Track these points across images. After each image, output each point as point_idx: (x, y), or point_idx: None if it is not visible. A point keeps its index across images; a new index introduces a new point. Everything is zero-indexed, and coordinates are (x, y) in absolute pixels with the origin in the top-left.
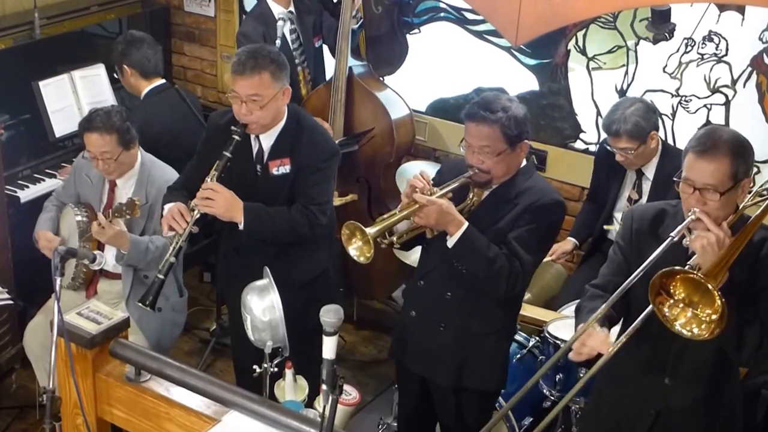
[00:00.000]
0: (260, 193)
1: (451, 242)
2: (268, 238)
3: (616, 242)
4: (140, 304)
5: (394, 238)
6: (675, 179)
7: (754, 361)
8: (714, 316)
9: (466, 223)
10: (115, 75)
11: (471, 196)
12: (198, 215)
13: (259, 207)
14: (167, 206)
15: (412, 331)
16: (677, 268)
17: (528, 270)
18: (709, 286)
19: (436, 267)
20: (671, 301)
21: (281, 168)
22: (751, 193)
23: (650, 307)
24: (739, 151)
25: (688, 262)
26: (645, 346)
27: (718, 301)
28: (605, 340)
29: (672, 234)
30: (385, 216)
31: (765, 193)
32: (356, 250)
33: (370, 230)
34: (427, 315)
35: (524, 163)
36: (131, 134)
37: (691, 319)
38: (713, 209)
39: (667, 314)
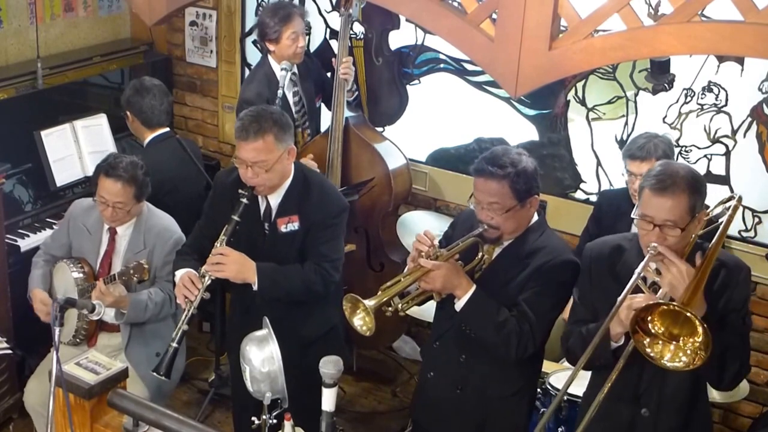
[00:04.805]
0: (269, 251)
1: (458, 306)
2: (282, 297)
3: (575, 290)
4: (155, 374)
5: (399, 305)
6: (633, 216)
7: (729, 386)
8: (699, 341)
9: (474, 287)
10: (121, 115)
11: (481, 256)
12: (209, 282)
13: (273, 267)
14: (178, 274)
15: (431, 392)
16: (654, 302)
17: (538, 333)
18: (689, 314)
19: (449, 329)
20: (648, 338)
21: (290, 225)
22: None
23: (630, 343)
24: (696, 186)
25: (656, 296)
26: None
27: (700, 328)
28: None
29: (637, 270)
30: (389, 284)
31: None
32: (360, 320)
33: (369, 303)
34: (444, 377)
35: (536, 217)
36: (148, 189)
37: (676, 352)
38: (672, 243)
39: (651, 354)
